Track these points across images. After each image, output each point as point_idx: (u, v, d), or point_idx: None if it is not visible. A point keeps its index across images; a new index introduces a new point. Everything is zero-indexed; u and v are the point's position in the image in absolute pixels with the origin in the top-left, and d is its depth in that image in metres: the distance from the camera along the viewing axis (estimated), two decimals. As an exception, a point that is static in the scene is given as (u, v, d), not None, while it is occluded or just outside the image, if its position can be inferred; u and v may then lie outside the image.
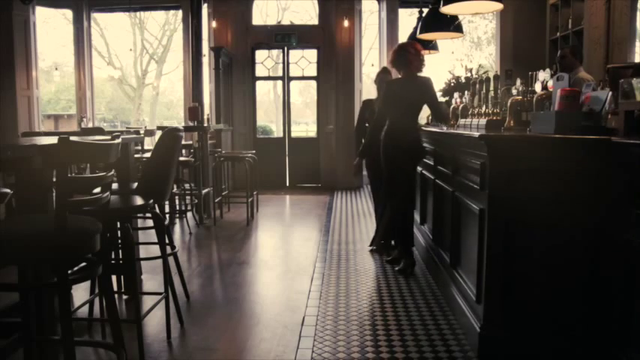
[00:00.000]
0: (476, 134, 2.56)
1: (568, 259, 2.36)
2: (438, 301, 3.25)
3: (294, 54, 9.03)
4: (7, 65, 8.00)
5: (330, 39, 8.81)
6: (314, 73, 9.04)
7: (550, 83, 2.86)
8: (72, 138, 1.73)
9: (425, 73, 3.94)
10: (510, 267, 2.40)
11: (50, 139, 2.30)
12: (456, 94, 4.42)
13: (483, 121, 3.22)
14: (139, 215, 3.77)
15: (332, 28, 8.81)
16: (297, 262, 4.33)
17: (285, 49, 8.94)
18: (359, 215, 6.31)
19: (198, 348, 2.64)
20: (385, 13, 9.03)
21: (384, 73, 4.52)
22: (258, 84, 9.36)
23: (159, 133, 4.49)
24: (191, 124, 6.31)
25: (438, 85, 5.60)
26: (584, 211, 2.32)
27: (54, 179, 2.01)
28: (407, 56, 3.86)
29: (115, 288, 3.26)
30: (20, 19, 8.18)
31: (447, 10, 4.31)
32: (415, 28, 5.98)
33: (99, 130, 5.70)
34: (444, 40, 6.11)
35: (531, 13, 7.51)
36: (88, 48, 9.40)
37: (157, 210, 2.88)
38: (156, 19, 17.98)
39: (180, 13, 9.91)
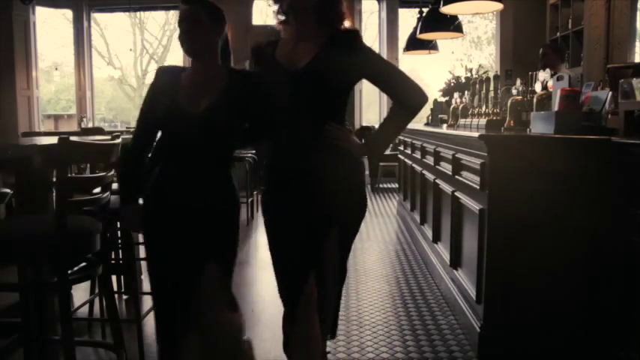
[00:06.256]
0: (476, 134, 2.56)
1: (568, 258, 2.36)
2: (437, 301, 3.25)
3: (295, 54, 9.00)
4: (7, 65, 8.00)
5: (330, 39, 8.79)
6: (314, 73, 9.01)
7: (550, 83, 2.86)
8: (72, 138, 1.73)
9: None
10: (510, 267, 2.39)
11: (50, 139, 2.30)
12: (456, 94, 4.41)
13: (483, 121, 3.22)
14: (139, 215, 3.76)
15: (332, 28, 8.78)
16: (297, 262, 4.32)
17: (285, 49, 8.92)
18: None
19: (198, 348, 2.64)
20: (385, 13, 9.01)
21: None
22: (258, 84, 9.34)
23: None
24: (191, 124, 6.29)
25: (438, 85, 5.60)
26: (584, 211, 2.32)
27: (54, 179, 2.01)
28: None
29: (115, 288, 3.25)
30: (20, 19, 8.17)
31: (447, 10, 4.31)
32: (415, 28, 5.98)
33: (99, 130, 5.71)
34: (444, 40, 6.11)
35: (531, 13, 7.50)
36: (88, 48, 9.38)
37: (157, 210, 2.87)
38: (156, 19, 17.94)
39: (180, 13, 9.91)
